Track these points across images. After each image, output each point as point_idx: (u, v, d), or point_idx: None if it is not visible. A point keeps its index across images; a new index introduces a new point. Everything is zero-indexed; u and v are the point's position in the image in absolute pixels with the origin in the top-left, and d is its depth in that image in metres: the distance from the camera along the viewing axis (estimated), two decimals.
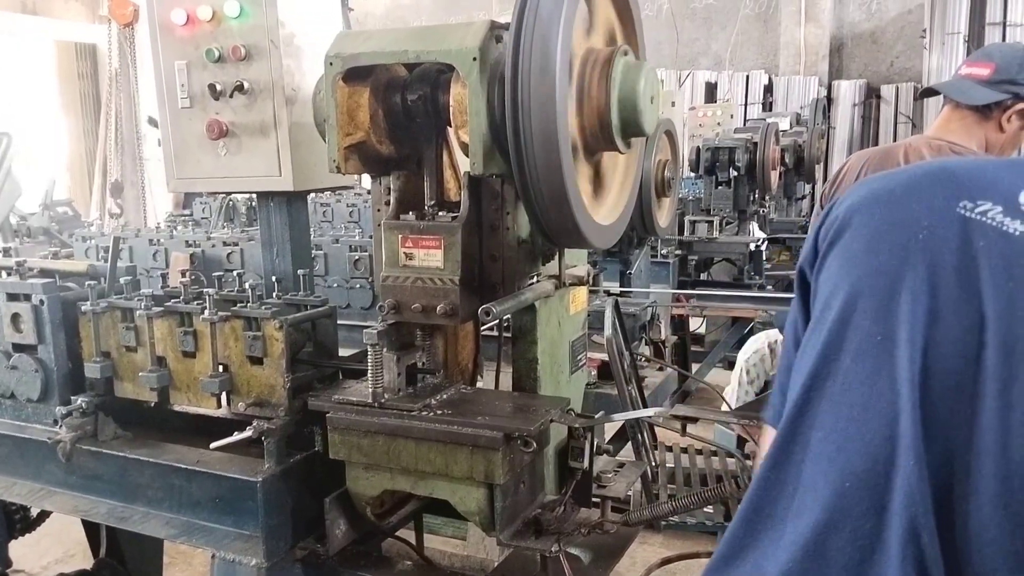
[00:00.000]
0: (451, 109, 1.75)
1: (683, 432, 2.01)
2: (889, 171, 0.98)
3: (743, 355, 5.01)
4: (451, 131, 1.93)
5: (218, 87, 2.07)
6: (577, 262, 2.25)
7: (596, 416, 1.94)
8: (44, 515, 2.97)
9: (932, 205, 0.85)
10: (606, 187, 1.96)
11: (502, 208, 1.91)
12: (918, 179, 0.90)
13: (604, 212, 1.90)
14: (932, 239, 0.83)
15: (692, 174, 6.41)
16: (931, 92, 2.60)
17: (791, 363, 0.97)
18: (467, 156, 1.77)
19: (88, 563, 3.02)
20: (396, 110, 1.86)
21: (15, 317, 2.23)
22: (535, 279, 2.05)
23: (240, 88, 2.07)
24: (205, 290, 2.07)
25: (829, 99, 9.62)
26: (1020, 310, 0.77)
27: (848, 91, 9.61)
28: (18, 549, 2.98)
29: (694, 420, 1.91)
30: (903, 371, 0.79)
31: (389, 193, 2.00)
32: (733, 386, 4.92)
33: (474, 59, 1.66)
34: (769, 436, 1.06)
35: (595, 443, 2.01)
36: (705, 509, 2.99)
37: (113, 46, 11.74)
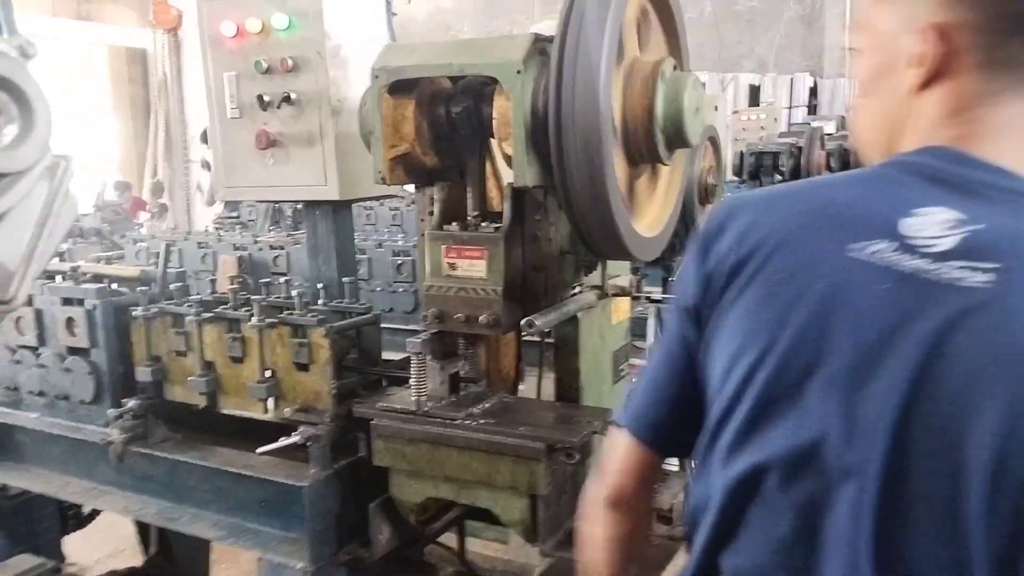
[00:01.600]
0: (495, 121, 1.77)
1: None
2: (773, 194, 1.00)
3: None
4: (494, 142, 1.94)
5: (266, 98, 2.11)
6: (620, 272, 2.25)
7: None
8: (96, 512, 3.05)
9: (825, 249, 0.88)
10: (650, 198, 1.95)
11: (545, 218, 1.92)
12: (807, 220, 0.92)
13: (648, 223, 1.90)
14: (829, 287, 0.86)
15: (735, 179, 6.35)
16: None
17: (660, 376, 1.06)
18: (510, 167, 1.78)
19: (137, 559, 3.10)
20: (440, 122, 1.87)
21: (69, 321, 2.30)
22: (578, 289, 2.06)
23: (287, 99, 2.10)
24: (252, 297, 2.11)
25: None
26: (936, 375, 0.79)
27: None
28: (70, 544, 3.06)
29: None
30: None
31: (433, 203, 2.01)
32: None
33: (518, 72, 1.67)
34: (619, 439, 1.12)
35: None
36: None
37: (161, 50, 12.02)
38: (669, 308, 1.07)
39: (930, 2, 0.90)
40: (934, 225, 0.84)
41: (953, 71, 0.90)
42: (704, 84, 9.75)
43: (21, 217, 0.76)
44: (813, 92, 9.77)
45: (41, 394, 2.41)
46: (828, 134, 6.94)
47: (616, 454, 1.12)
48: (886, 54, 0.95)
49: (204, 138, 8.12)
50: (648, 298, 3.79)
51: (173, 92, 12.49)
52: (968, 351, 0.78)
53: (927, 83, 0.91)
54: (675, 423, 1.05)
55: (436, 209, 2.00)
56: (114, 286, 2.36)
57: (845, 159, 6.96)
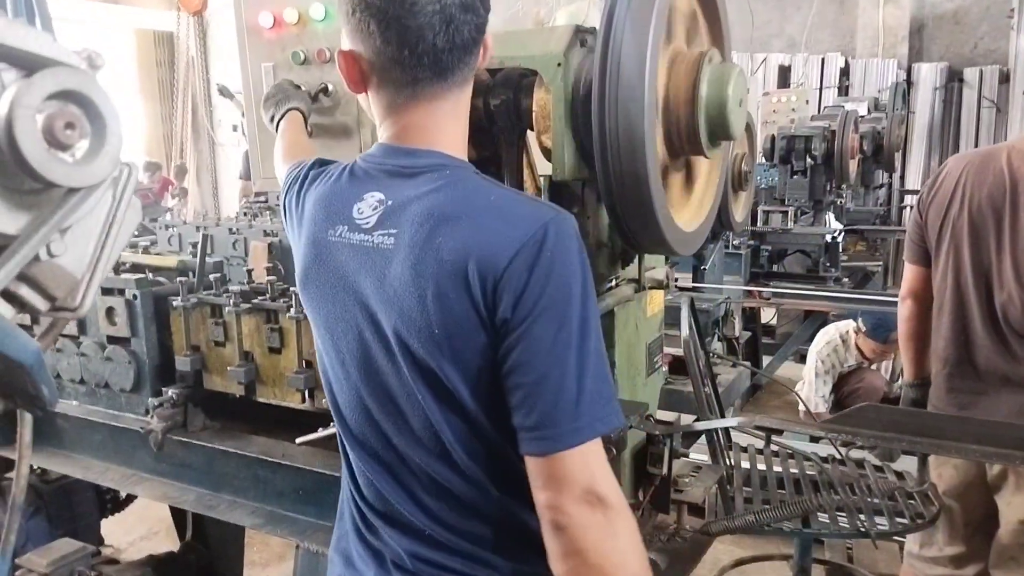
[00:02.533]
0: (534, 114, 1.75)
1: (767, 443, 1.99)
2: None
3: (814, 347, 4.92)
4: (531, 135, 1.92)
5: (303, 89, 2.11)
6: (656, 264, 2.23)
7: (675, 423, 1.92)
8: (132, 497, 3.10)
9: (324, 234, 1.26)
10: (690, 192, 1.93)
11: (583, 211, 1.90)
12: (321, 213, 1.29)
13: (688, 217, 1.88)
14: (324, 260, 1.27)
15: (765, 162, 6.27)
16: None
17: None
18: (548, 161, 1.77)
19: (172, 541, 3.15)
20: (478, 113, 1.86)
21: (110, 311, 2.33)
22: (614, 282, 2.05)
23: (324, 90, 2.10)
24: (292, 288, 2.12)
25: (909, 83, 9.27)
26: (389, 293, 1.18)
27: (929, 74, 9.24)
28: (106, 526, 3.12)
29: (779, 432, 1.88)
30: None
31: None
32: (809, 378, 4.84)
33: (558, 64, 1.65)
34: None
35: (673, 447, 2.00)
36: None
37: (187, 33, 12.06)
38: None
39: (344, 31, 1.21)
40: (368, 208, 1.21)
41: (371, 85, 1.22)
42: None
43: (88, 225, 0.76)
44: (844, 72, 9.60)
45: (82, 382, 2.45)
46: (861, 116, 6.83)
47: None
48: (338, 58, 1.24)
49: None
50: (679, 287, 3.77)
51: (200, 75, 12.55)
52: (389, 283, 1.16)
53: (358, 90, 1.25)
54: None
55: None
56: (153, 276, 2.38)
57: (878, 142, 6.86)
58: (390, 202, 1.19)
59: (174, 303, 2.24)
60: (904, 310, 2.60)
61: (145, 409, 2.31)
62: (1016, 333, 2.22)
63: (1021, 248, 2.18)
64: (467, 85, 1.26)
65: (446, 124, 1.24)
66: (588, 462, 1.11)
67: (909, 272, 2.56)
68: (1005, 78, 8.90)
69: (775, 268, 5.94)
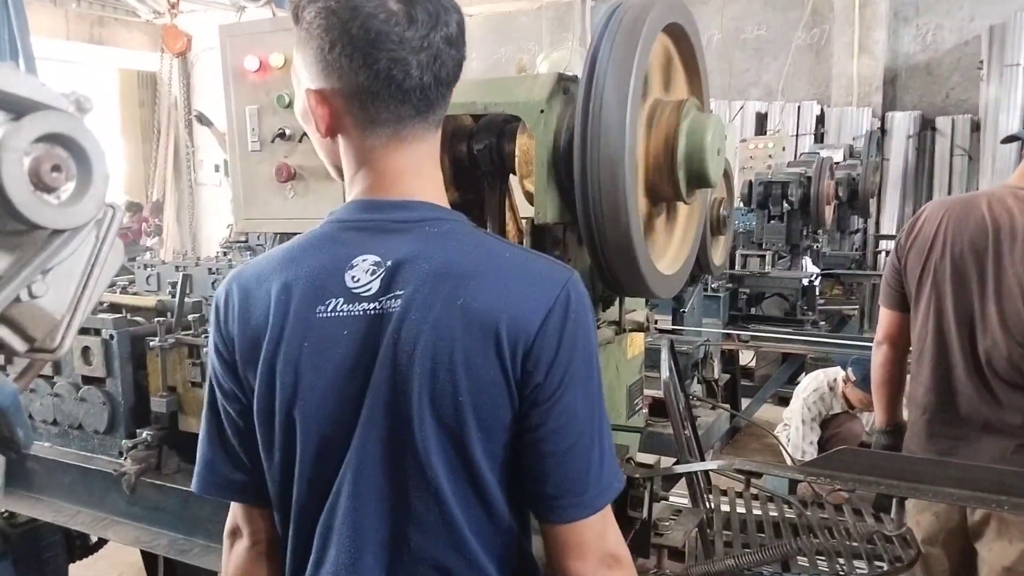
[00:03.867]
0: (516, 159, 1.77)
1: (747, 486, 1.99)
2: (263, 267, 1.16)
3: (801, 393, 4.92)
4: (513, 178, 1.95)
5: (287, 132, 2.13)
6: (636, 306, 2.25)
7: (656, 466, 1.92)
8: (103, 541, 3.03)
9: (307, 316, 1.10)
10: (670, 236, 1.96)
11: (564, 254, 1.92)
12: (287, 295, 1.12)
13: (667, 262, 1.90)
14: (312, 345, 1.10)
15: (743, 207, 6.37)
16: (1014, 138, 2.52)
17: None
18: (530, 203, 1.79)
19: None
20: (462, 158, 1.88)
21: (85, 350, 2.30)
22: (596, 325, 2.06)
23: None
24: None
25: (883, 130, 9.47)
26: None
27: (902, 122, 9.46)
28: (75, 571, 3.04)
29: (757, 475, 1.88)
30: None
31: None
32: (795, 423, 4.82)
33: (541, 111, 1.68)
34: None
35: (653, 490, 1.99)
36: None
37: (171, 74, 12.12)
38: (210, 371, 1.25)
39: (311, 70, 1.09)
40: (365, 273, 1.09)
41: (344, 127, 1.11)
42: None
43: (69, 267, 0.76)
44: (820, 120, 9.81)
45: (55, 423, 2.41)
46: (836, 162, 6.96)
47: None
48: (302, 100, 1.13)
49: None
50: (658, 329, 3.79)
51: (182, 115, 12.59)
52: (402, 348, 1.05)
53: (329, 134, 1.13)
54: None
55: None
56: (131, 316, 2.36)
57: (853, 188, 6.99)
58: (389, 262, 1.09)
59: (151, 343, 2.22)
60: (879, 355, 2.61)
61: (119, 451, 2.28)
62: (1000, 379, 2.23)
63: (1006, 293, 2.21)
64: (440, 128, 1.19)
65: (427, 169, 1.16)
66: (607, 524, 1.11)
67: (885, 317, 2.57)
68: (976, 127, 9.13)
69: (753, 311, 6.00)
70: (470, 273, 1.07)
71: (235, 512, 1.29)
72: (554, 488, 1.08)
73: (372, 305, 1.08)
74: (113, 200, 0.83)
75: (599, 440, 1.10)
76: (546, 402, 1.06)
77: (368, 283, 1.08)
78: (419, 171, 1.15)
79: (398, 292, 1.07)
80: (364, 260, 1.09)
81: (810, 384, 4.90)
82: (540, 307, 1.06)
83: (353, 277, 1.09)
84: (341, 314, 1.08)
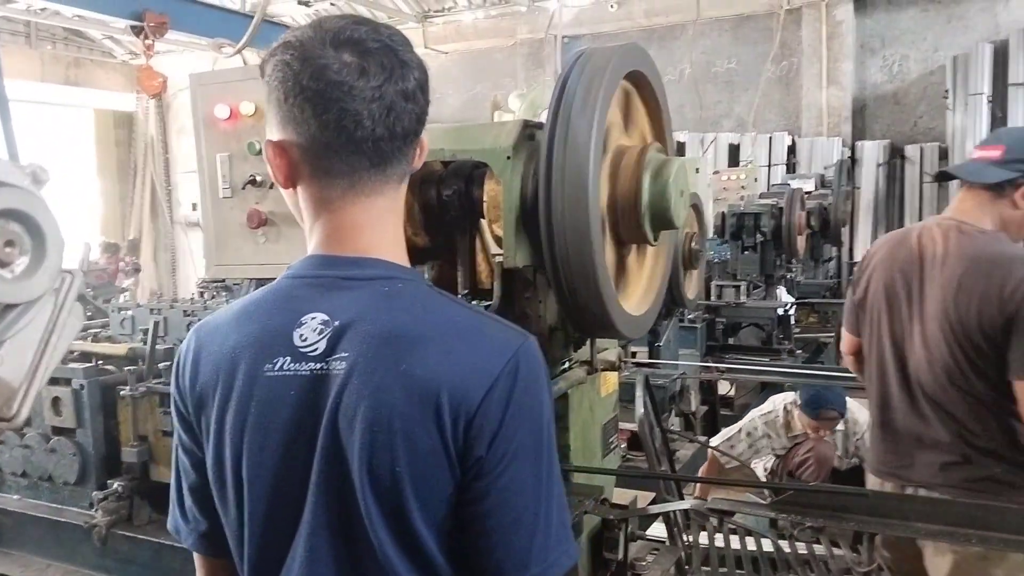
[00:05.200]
0: (485, 204, 1.79)
1: (719, 525, 1.99)
2: (221, 322, 1.16)
3: (758, 410, 4.79)
4: (483, 222, 1.97)
5: (258, 179, 2.14)
6: (609, 345, 2.26)
7: (631, 505, 1.92)
8: None
9: (256, 373, 1.09)
10: (638, 276, 1.98)
11: (535, 296, 1.93)
12: (240, 353, 1.11)
13: (635, 302, 1.92)
14: (259, 404, 1.09)
15: (717, 238, 6.43)
16: (946, 176, 2.65)
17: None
18: (499, 247, 1.80)
19: None
20: (431, 203, 1.90)
21: (55, 401, 2.28)
22: (567, 365, 2.07)
23: None
24: None
25: (853, 159, 9.64)
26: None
27: (872, 151, 9.63)
28: None
29: (731, 514, 1.89)
30: None
31: None
32: (730, 432, 4.66)
33: (508, 158, 1.71)
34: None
35: (629, 530, 1.99)
36: None
37: (147, 114, 12.12)
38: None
39: (272, 122, 1.11)
40: (312, 332, 1.07)
41: (302, 177, 1.11)
42: (684, 144, 9.93)
43: (27, 335, 0.77)
44: (791, 150, 9.96)
45: (24, 475, 2.38)
46: (807, 192, 7.06)
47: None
48: (266, 149, 1.13)
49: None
50: (635, 363, 3.80)
51: (159, 155, 12.57)
52: (343, 413, 1.03)
53: (288, 184, 1.13)
54: None
55: None
56: (102, 364, 2.35)
57: (825, 218, 7.08)
58: (336, 322, 1.07)
59: (122, 392, 2.21)
60: (850, 364, 2.79)
61: (89, 503, 2.25)
62: (927, 396, 2.37)
63: (927, 317, 2.35)
64: (404, 183, 1.17)
65: (384, 223, 1.14)
66: None
67: (846, 337, 2.74)
68: (944, 154, 9.31)
69: (730, 341, 6.03)
70: (415, 337, 1.04)
71: (198, 564, 1.28)
72: (495, 564, 1.05)
73: (318, 365, 1.06)
74: (71, 266, 0.84)
75: (545, 515, 1.06)
76: (488, 475, 1.03)
77: (315, 343, 1.06)
78: (376, 225, 1.13)
79: (343, 354, 1.05)
80: (313, 319, 1.08)
81: (766, 406, 4.86)
82: (485, 376, 1.03)
83: (301, 336, 1.07)
84: (288, 373, 1.07)
